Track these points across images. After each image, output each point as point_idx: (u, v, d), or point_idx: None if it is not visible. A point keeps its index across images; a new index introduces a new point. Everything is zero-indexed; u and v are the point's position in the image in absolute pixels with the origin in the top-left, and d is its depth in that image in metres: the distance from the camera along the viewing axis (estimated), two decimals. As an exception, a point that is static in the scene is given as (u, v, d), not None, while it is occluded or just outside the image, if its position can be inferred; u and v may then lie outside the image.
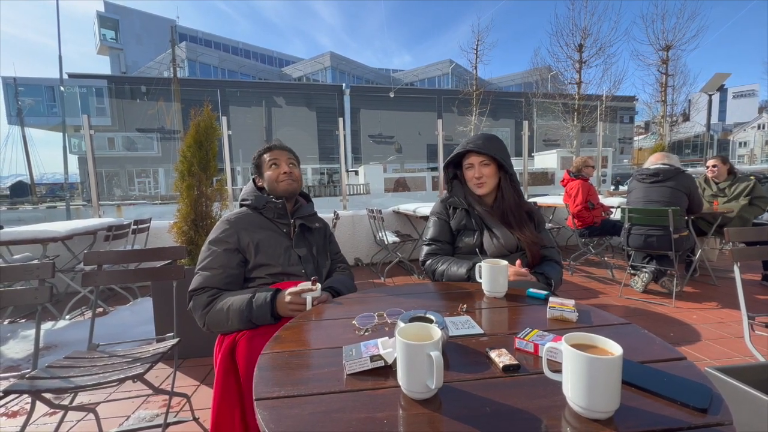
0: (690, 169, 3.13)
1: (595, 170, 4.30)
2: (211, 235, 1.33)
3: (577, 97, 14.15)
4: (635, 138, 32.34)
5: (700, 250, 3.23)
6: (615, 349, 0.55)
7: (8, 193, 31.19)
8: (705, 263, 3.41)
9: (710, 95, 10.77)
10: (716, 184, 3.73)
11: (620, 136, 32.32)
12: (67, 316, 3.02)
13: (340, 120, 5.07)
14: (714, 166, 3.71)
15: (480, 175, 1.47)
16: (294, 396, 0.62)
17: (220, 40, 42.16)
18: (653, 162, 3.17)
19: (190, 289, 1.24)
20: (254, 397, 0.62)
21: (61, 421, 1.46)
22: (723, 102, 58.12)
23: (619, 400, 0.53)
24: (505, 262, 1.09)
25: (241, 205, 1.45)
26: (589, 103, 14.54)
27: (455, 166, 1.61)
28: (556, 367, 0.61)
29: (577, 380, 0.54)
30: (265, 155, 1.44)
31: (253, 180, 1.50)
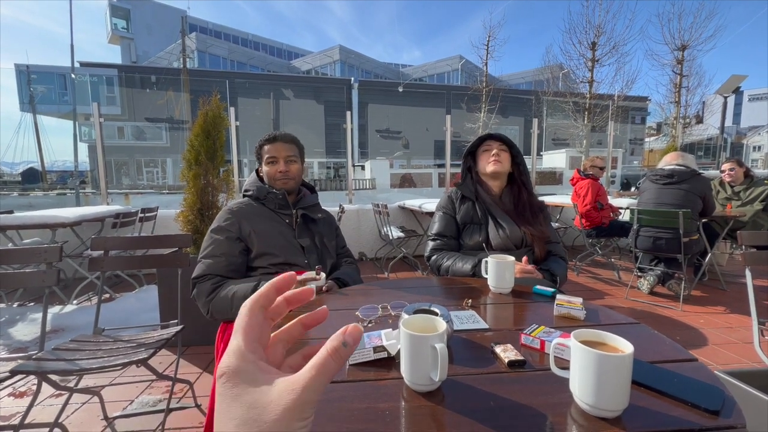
0: (704, 173, 3.06)
1: (605, 171, 4.24)
2: (214, 224, 1.33)
3: (588, 96, 13.93)
4: (646, 139, 31.85)
5: (710, 254, 3.17)
6: (625, 346, 0.54)
7: (20, 179, 31.72)
8: (714, 267, 3.35)
9: (725, 97, 10.56)
10: (731, 187, 3.65)
11: (631, 137, 31.83)
12: (75, 301, 3.06)
13: (348, 114, 5.05)
14: (731, 169, 3.62)
15: (498, 153, 1.51)
16: (295, 384, 0.62)
17: (230, 31, 42.19)
18: (668, 162, 3.09)
19: (193, 276, 1.25)
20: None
21: (66, 402, 1.48)
22: (738, 105, 56.81)
23: (628, 399, 0.52)
24: (512, 258, 1.08)
25: (244, 196, 1.45)
26: (600, 103, 14.30)
27: (471, 158, 1.64)
28: (563, 365, 0.60)
29: (585, 377, 0.52)
30: (265, 146, 1.42)
31: (257, 170, 1.50)
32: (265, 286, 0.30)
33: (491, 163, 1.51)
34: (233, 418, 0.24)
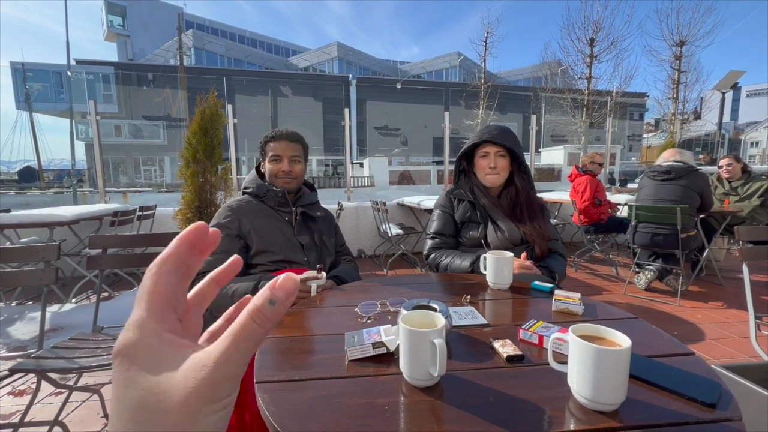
0: (702, 169, 3.07)
1: (603, 167, 4.25)
2: (213, 221, 1.33)
3: (586, 92, 13.94)
4: (644, 136, 31.88)
5: (707, 250, 3.19)
6: (623, 341, 0.54)
7: (17, 178, 31.58)
8: (712, 263, 3.37)
9: (723, 93, 10.56)
10: (729, 182, 3.66)
11: (629, 134, 31.86)
12: (73, 300, 3.06)
13: (346, 111, 5.03)
14: (729, 164, 3.64)
15: (495, 165, 1.46)
16: (295, 380, 0.62)
17: (227, 28, 41.94)
18: (666, 158, 3.10)
19: (193, 273, 1.24)
20: (255, 380, 0.62)
21: (66, 401, 1.48)
22: (736, 101, 56.81)
23: (625, 393, 0.52)
24: (510, 254, 1.08)
25: (244, 193, 1.45)
26: (598, 99, 14.31)
27: (465, 159, 1.60)
28: (561, 359, 0.60)
29: (583, 371, 0.53)
30: (270, 143, 1.41)
31: (257, 167, 1.49)
32: (173, 241, 0.24)
33: (488, 177, 1.47)
34: (126, 410, 0.19)
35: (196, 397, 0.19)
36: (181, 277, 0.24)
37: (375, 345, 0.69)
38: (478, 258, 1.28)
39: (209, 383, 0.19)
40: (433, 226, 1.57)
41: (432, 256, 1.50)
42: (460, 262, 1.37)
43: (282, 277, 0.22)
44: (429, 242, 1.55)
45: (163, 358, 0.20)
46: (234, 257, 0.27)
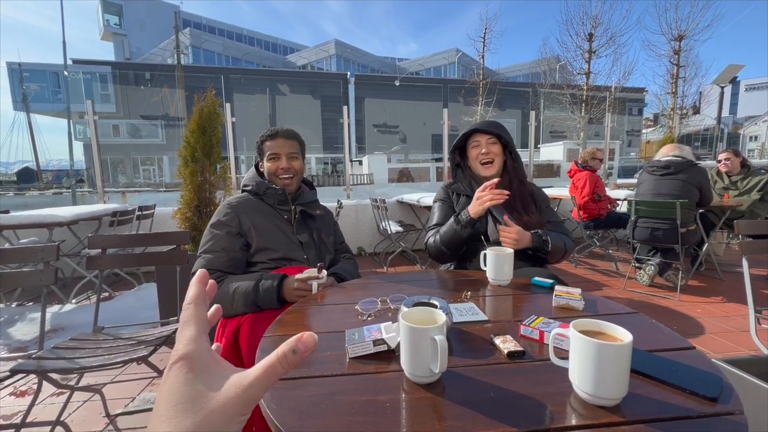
0: (701, 164, 3.07)
1: (603, 163, 4.24)
2: (213, 219, 1.33)
3: (585, 87, 13.89)
4: (644, 131, 31.84)
5: (707, 244, 3.19)
6: (624, 335, 0.54)
7: (15, 179, 31.51)
8: (711, 257, 3.37)
9: (722, 87, 10.54)
10: (728, 177, 3.66)
11: (628, 129, 31.83)
12: (73, 300, 3.06)
13: (345, 109, 5.02)
14: (727, 159, 3.63)
15: (488, 152, 1.46)
16: (296, 378, 0.62)
17: (225, 26, 41.74)
18: (665, 153, 3.10)
19: (193, 271, 1.24)
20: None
21: (68, 401, 1.48)
22: (735, 95, 56.59)
23: (627, 388, 0.52)
24: (510, 250, 1.08)
25: (243, 191, 1.45)
26: (597, 94, 14.26)
27: (460, 154, 1.61)
28: (562, 355, 0.60)
29: (584, 367, 0.53)
30: (267, 142, 1.41)
31: (256, 166, 1.49)
32: (192, 284, 0.32)
33: (484, 167, 1.48)
34: (176, 403, 0.24)
35: (231, 408, 0.25)
36: (206, 310, 0.32)
37: (376, 342, 0.69)
38: (459, 213, 1.35)
39: (242, 399, 0.25)
40: (434, 217, 1.56)
41: (431, 241, 1.49)
42: (447, 225, 1.40)
43: (306, 334, 0.28)
44: (430, 233, 1.54)
45: (211, 369, 0.27)
46: (215, 307, 0.36)
